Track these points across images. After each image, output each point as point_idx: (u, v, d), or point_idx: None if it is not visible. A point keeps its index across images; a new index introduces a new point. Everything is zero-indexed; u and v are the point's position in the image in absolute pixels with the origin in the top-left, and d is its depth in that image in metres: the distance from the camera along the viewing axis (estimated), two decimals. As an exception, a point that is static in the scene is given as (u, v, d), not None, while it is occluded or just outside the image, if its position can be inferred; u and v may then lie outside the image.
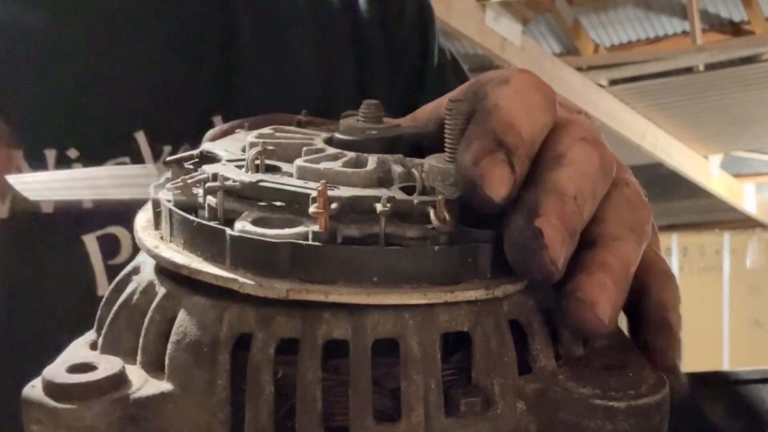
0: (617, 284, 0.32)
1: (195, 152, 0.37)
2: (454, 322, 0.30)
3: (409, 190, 0.31)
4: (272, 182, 0.32)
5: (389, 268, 0.29)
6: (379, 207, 0.29)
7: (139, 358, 0.31)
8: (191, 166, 0.36)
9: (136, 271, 0.33)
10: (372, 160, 0.33)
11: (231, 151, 0.36)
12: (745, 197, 5.57)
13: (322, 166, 0.32)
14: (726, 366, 5.19)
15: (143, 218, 0.35)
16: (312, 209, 0.29)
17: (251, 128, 0.38)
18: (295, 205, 0.31)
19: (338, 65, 0.71)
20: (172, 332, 0.30)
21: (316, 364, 0.29)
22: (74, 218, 0.59)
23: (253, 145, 0.34)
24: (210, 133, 0.42)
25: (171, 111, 0.63)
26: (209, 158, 0.36)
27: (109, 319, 0.32)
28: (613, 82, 4.10)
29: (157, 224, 0.34)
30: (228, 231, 0.30)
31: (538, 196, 0.31)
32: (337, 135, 0.36)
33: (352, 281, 0.29)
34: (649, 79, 4.02)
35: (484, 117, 0.32)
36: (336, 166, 0.32)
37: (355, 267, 0.29)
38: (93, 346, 0.33)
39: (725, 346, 5.39)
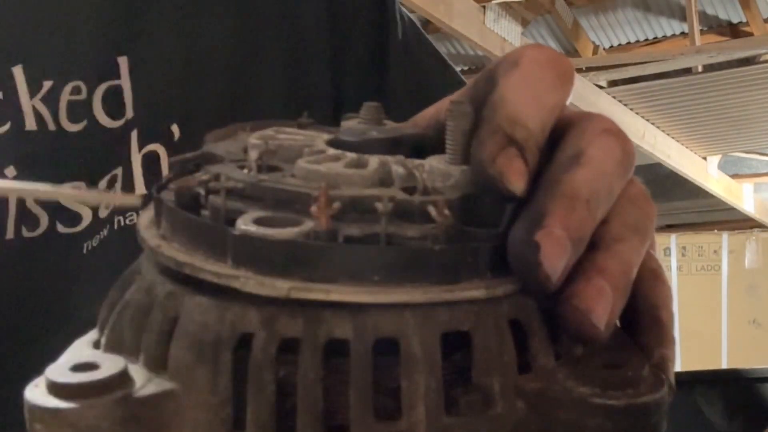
0: (616, 289, 0.31)
1: (197, 153, 0.37)
2: (454, 322, 0.30)
3: (410, 191, 0.32)
4: (274, 182, 0.32)
5: (390, 267, 0.29)
6: (380, 206, 0.30)
7: (141, 357, 0.31)
8: (193, 167, 0.36)
9: (138, 270, 0.34)
10: (373, 161, 0.33)
11: (233, 152, 0.36)
12: (744, 197, 5.57)
13: (324, 166, 0.33)
14: (724, 365, 5.19)
15: (146, 218, 0.35)
16: (313, 209, 0.29)
17: (253, 130, 0.39)
18: (296, 205, 0.31)
19: (263, 31, 0.67)
20: (175, 331, 0.30)
21: (317, 364, 0.29)
22: None
23: (254, 145, 0.34)
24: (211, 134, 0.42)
25: (57, 46, 0.60)
26: (211, 158, 0.36)
27: (112, 319, 0.33)
28: (612, 83, 4.10)
29: (159, 224, 0.34)
30: (230, 230, 0.30)
31: (546, 202, 0.31)
32: (339, 136, 0.36)
33: (353, 280, 0.29)
34: (648, 80, 4.02)
35: (491, 113, 0.32)
36: (337, 166, 0.33)
37: (356, 266, 0.29)
38: (96, 345, 0.33)
39: (723, 345, 5.40)
